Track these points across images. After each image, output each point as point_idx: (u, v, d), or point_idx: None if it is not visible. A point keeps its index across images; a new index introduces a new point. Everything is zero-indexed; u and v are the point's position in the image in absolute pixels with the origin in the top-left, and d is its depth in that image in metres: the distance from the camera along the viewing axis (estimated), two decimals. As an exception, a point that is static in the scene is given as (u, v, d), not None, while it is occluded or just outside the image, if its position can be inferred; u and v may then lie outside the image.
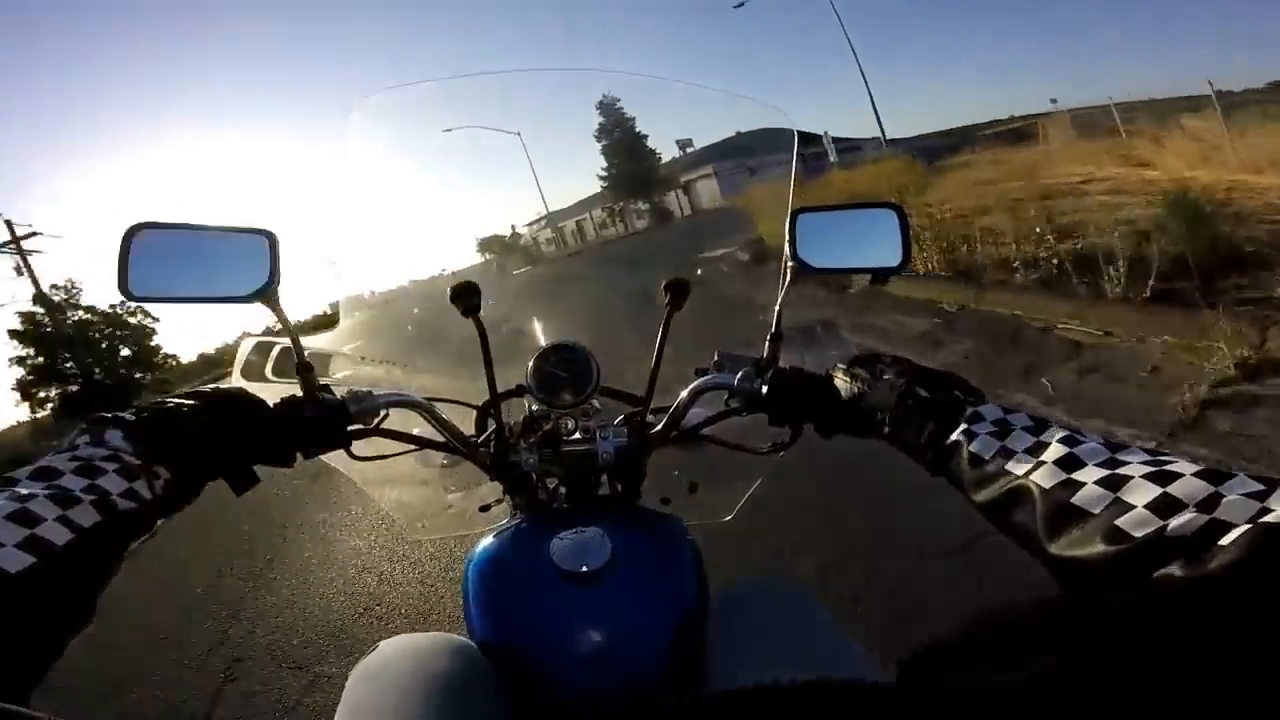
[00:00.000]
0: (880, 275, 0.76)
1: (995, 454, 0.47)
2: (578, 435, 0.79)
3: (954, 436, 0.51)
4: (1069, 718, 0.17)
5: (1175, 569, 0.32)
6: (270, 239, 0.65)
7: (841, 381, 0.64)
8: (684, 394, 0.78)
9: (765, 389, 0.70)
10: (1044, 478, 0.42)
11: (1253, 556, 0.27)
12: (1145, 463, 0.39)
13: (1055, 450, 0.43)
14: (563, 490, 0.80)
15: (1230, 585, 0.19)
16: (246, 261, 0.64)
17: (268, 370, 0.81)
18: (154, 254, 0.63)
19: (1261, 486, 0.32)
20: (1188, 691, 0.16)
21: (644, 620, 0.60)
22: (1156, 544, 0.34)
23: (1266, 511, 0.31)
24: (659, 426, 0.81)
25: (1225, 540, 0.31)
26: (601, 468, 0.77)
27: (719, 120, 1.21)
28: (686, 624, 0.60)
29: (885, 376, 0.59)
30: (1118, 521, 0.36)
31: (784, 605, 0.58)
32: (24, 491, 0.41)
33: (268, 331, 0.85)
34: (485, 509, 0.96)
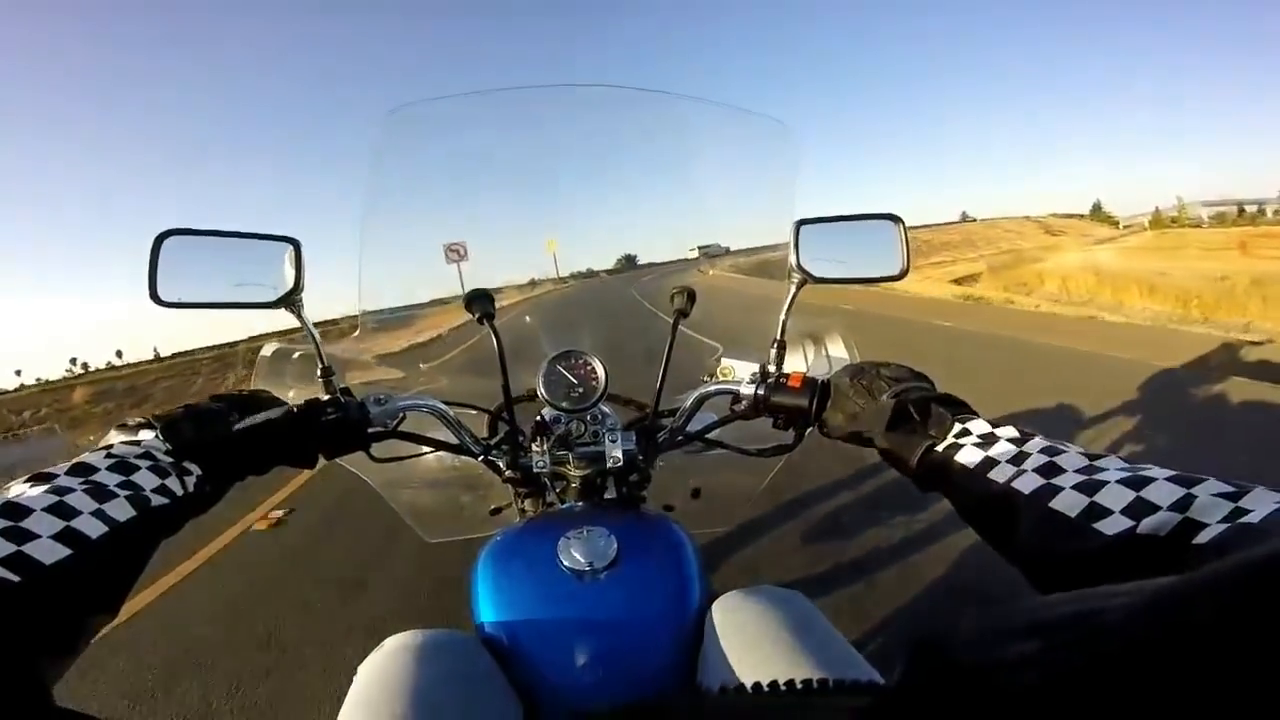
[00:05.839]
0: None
1: (979, 464, 0.49)
2: (586, 439, 0.80)
3: (941, 450, 0.52)
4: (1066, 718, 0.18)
5: (1150, 567, 0.32)
6: (295, 246, 0.67)
7: (841, 390, 0.66)
8: (690, 399, 0.80)
9: (770, 395, 0.72)
10: (1024, 484, 0.44)
11: (1231, 557, 0.28)
12: (1121, 469, 0.41)
13: (1036, 460, 0.45)
14: (571, 493, 0.81)
15: (1214, 583, 0.20)
16: (272, 267, 0.67)
17: (289, 375, 0.83)
18: (182, 260, 0.65)
19: (1233, 489, 0.34)
20: (1181, 689, 0.16)
21: (646, 620, 0.62)
22: (1130, 544, 0.35)
23: (1240, 512, 0.32)
24: (665, 431, 0.83)
25: (1199, 539, 0.32)
26: (609, 471, 0.78)
27: (720, 135, 1.22)
28: (687, 625, 0.61)
29: (881, 393, 0.61)
30: (1095, 524, 0.38)
31: (783, 611, 0.58)
32: (62, 484, 0.42)
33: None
34: (496, 512, 0.98)
